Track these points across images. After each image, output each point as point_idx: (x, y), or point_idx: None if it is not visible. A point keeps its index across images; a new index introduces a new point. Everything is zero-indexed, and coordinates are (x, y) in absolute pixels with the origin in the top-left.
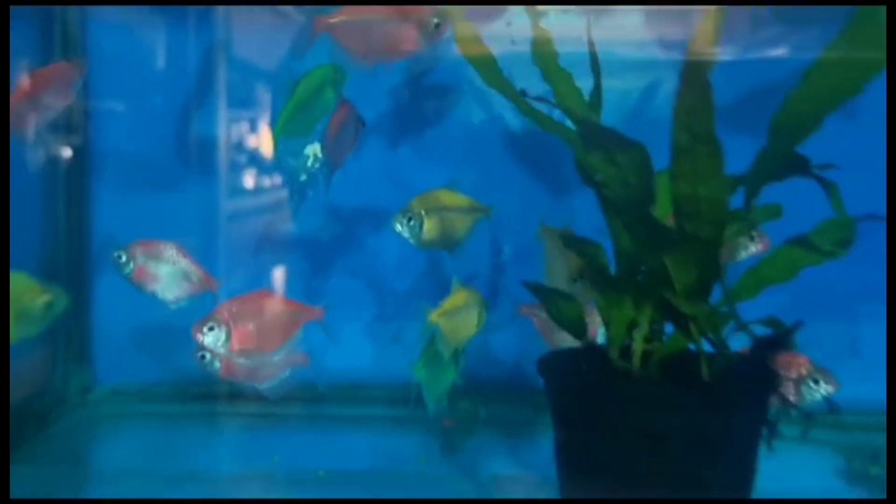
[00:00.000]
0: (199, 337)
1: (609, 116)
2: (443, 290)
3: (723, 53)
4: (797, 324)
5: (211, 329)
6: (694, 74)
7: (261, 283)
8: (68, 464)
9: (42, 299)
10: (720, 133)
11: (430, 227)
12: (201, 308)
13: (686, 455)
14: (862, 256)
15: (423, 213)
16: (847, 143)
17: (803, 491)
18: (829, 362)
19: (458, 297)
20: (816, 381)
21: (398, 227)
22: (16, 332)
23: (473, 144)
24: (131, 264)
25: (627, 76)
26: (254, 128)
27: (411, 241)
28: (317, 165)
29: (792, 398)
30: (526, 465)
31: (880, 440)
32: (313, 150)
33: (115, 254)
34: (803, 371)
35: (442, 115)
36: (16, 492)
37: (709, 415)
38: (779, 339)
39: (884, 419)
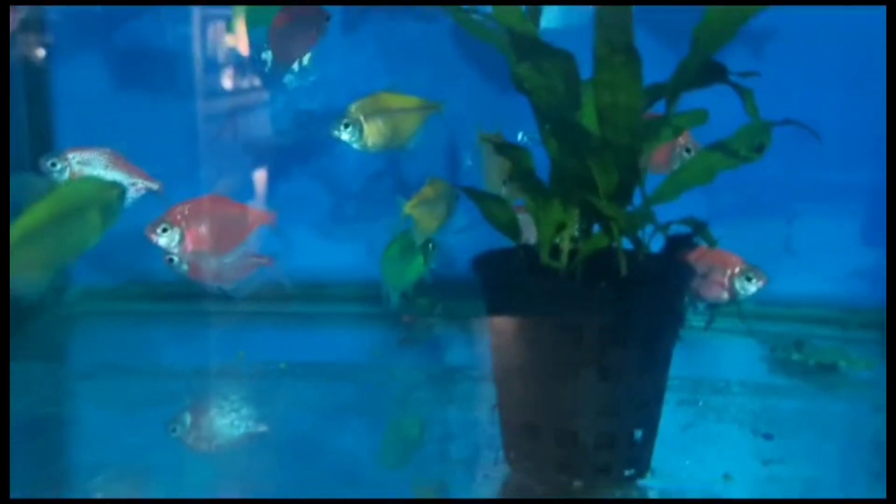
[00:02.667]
0: (154, 238)
1: None
2: (403, 189)
3: None
4: (702, 224)
5: (164, 231)
6: None
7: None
8: (51, 359)
9: (115, 192)
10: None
11: (371, 131)
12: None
13: (598, 344)
14: (800, 158)
15: (361, 118)
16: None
17: (728, 374)
18: (761, 258)
19: (430, 188)
20: (749, 278)
21: (337, 134)
22: (105, 228)
23: (434, 47)
24: (67, 171)
25: None
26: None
27: (356, 146)
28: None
29: (726, 293)
30: (479, 356)
31: (803, 330)
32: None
33: (49, 161)
34: (737, 269)
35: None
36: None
37: (621, 306)
38: (686, 238)
39: (808, 311)
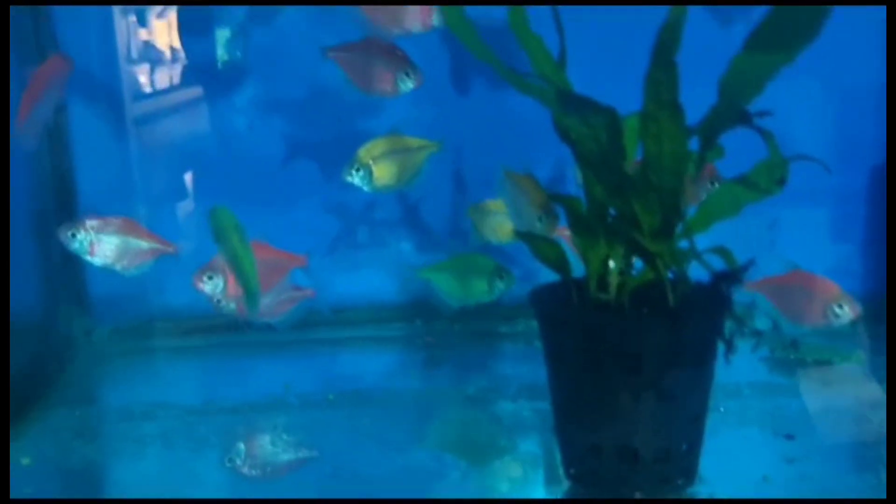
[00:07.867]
0: (200, 286)
1: None
2: (413, 219)
3: None
4: (750, 261)
5: (210, 278)
6: (662, 55)
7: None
8: (102, 401)
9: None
10: None
11: (380, 174)
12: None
13: (656, 369)
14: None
15: (370, 162)
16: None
17: (736, 377)
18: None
19: (496, 201)
20: (841, 306)
21: (349, 179)
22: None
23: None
24: (87, 240)
25: None
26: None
27: (365, 189)
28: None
29: (820, 320)
30: (503, 375)
31: (797, 330)
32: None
33: (69, 232)
34: (830, 296)
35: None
36: (62, 423)
37: (674, 334)
38: (734, 273)
39: None
